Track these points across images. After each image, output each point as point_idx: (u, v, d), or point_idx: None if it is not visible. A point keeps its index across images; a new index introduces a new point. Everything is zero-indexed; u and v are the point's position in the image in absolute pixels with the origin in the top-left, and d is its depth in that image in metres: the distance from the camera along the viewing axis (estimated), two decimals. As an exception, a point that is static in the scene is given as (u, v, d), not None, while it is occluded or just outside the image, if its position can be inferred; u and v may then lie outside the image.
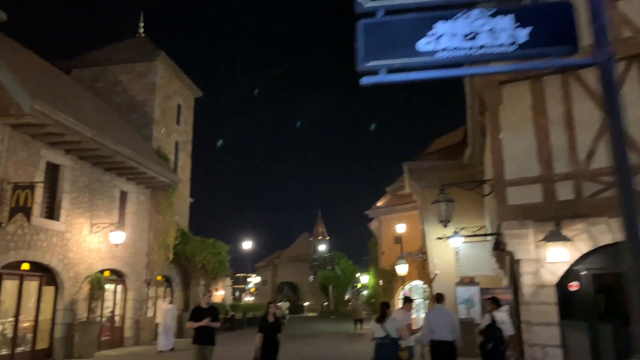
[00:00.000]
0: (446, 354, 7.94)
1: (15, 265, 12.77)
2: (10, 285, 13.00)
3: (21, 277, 12.98)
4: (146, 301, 18.75)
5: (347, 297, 48.04)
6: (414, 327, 10.22)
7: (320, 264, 50.58)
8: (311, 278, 58.67)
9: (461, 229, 12.23)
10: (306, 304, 58.87)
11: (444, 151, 16.85)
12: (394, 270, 27.20)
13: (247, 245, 30.56)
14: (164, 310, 16.81)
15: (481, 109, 9.65)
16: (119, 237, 15.88)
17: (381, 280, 27.50)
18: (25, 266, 13.10)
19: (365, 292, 52.82)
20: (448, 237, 12.19)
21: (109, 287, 16.76)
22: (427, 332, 8.21)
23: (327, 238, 65.93)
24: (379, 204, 28.94)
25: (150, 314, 18.86)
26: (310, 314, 53.48)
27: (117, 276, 17.46)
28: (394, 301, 27.23)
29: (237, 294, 64.50)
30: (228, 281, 32.71)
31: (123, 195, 17.76)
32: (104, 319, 16.44)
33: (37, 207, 13.30)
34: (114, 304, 17.33)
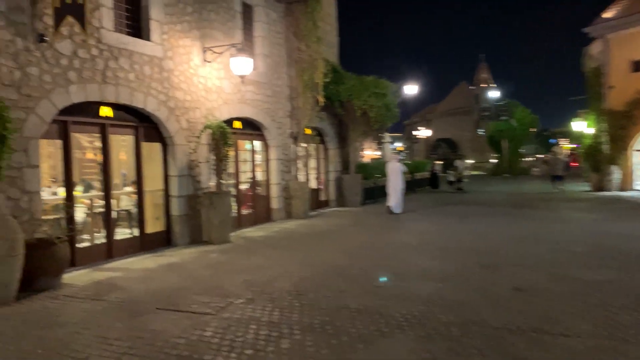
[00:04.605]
0: None
1: (90, 111, 7.99)
2: (84, 141, 8.42)
3: (102, 129, 8.19)
4: (295, 161, 13.80)
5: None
6: None
7: (492, 115, 42.35)
8: (481, 131, 50.82)
9: None
10: (469, 161, 52.14)
11: None
12: (630, 110, 18.88)
13: (411, 90, 23.74)
14: (392, 169, 14.01)
15: None
16: (244, 65, 10.20)
17: (607, 125, 19.37)
18: (107, 112, 8.28)
19: (567, 145, 43.84)
20: None
21: (244, 144, 11.91)
22: None
23: (493, 85, 56.17)
24: (606, 15, 19.67)
25: (301, 177, 14.02)
26: (474, 173, 46.87)
27: (253, 129, 12.47)
28: (627, 153, 19.29)
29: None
30: (387, 136, 27.02)
31: (247, 11, 12.01)
32: (241, 187, 11.93)
33: (109, 15, 8.08)
34: (253, 166, 12.61)
